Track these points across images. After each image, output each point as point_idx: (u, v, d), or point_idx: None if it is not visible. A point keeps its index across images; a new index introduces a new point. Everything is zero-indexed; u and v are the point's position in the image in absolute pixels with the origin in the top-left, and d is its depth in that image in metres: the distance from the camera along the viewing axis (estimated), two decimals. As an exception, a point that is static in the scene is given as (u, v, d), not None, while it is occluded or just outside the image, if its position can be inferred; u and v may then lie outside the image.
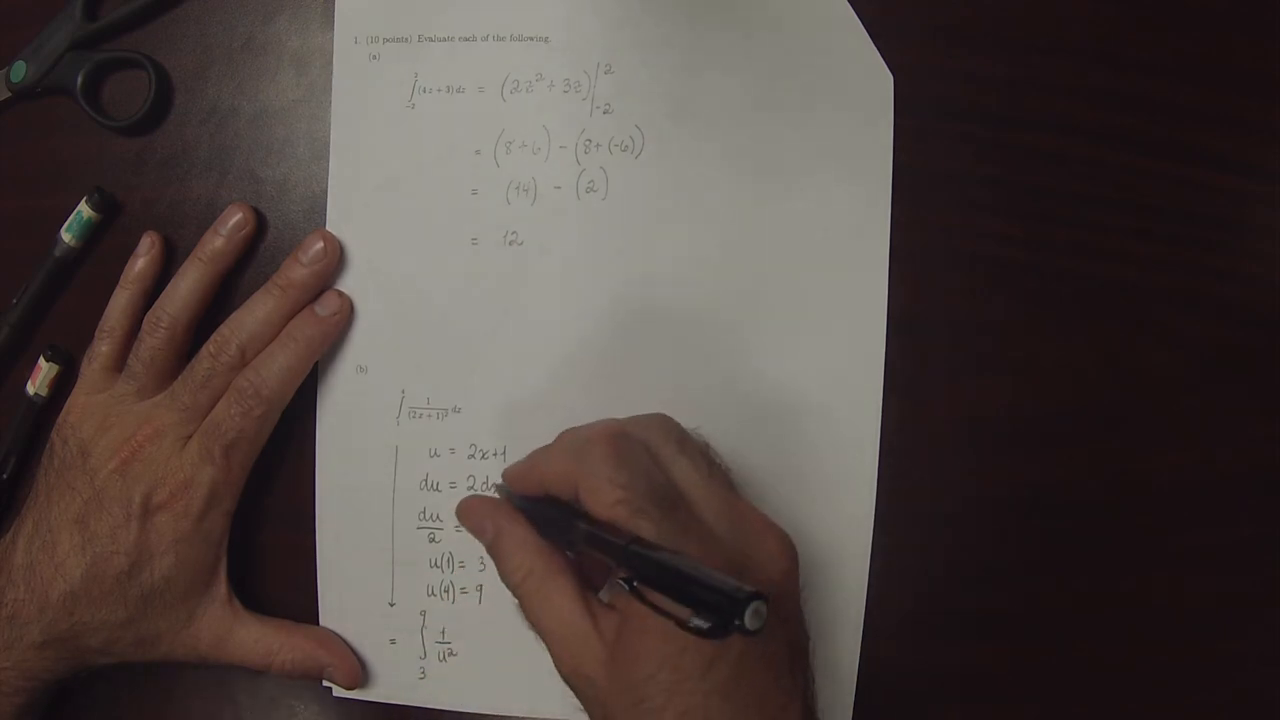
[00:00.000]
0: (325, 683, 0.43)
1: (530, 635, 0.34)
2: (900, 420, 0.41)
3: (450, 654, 0.42)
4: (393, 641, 0.43)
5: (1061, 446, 0.42)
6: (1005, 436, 0.42)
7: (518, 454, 0.41)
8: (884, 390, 0.41)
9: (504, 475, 0.38)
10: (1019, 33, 0.41)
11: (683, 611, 0.27)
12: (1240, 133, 0.42)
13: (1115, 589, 0.42)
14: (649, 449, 0.35)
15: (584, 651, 0.33)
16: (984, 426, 0.42)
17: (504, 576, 0.35)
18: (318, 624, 0.43)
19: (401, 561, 0.42)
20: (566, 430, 0.36)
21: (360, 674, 0.42)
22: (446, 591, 0.42)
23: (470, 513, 0.37)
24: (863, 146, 0.41)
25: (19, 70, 0.43)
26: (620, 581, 0.31)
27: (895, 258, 0.41)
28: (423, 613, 0.43)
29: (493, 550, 0.36)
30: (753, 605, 0.25)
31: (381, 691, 0.43)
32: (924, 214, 0.41)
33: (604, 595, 0.35)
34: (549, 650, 0.34)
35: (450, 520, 0.42)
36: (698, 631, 0.26)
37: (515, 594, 0.35)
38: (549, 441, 0.37)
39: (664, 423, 0.36)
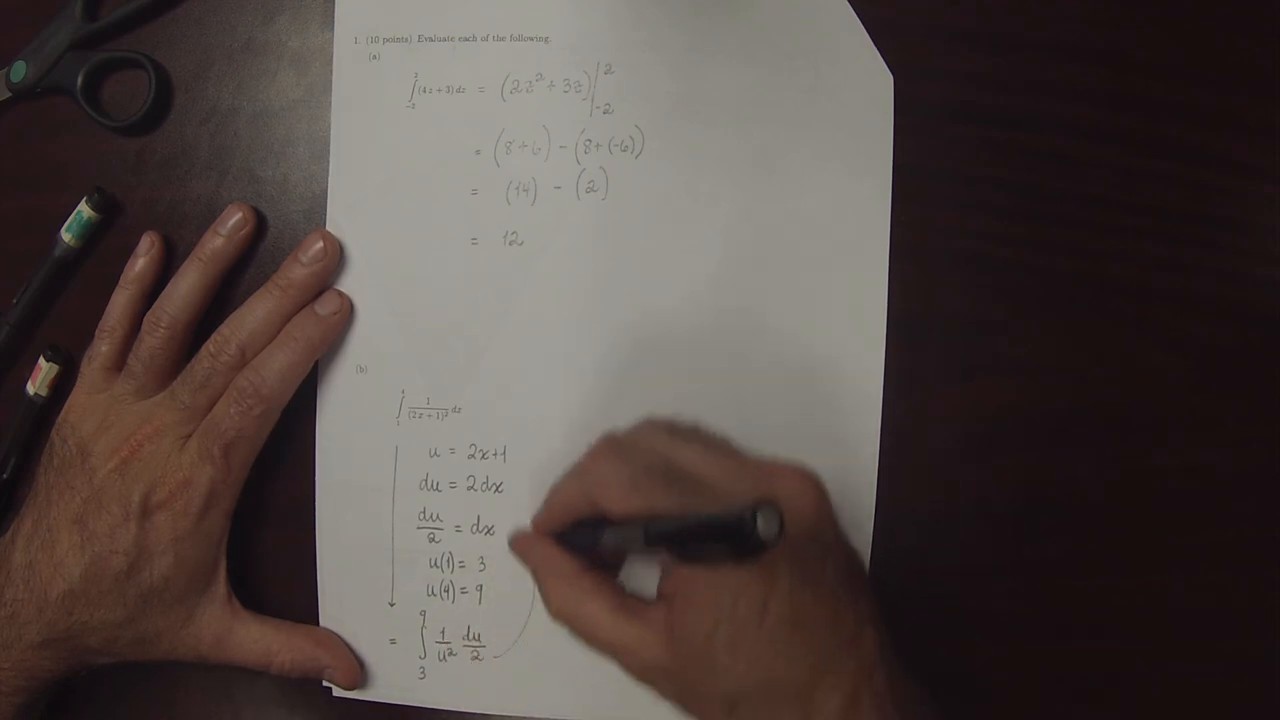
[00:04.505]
0: (325, 683, 0.43)
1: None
2: (900, 420, 0.41)
3: (450, 654, 0.42)
4: (393, 641, 0.43)
5: (1061, 446, 0.42)
6: (1005, 436, 0.42)
7: (518, 454, 0.42)
8: (884, 390, 0.41)
9: (533, 525, 0.39)
10: (1019, 33, 0.41)
11: (715, 554, 0.27)
12: (1240, 133, 0.42)
13: (1116, 589, 0.42)
14: (643, 446, 0.36)
15: (640, 649, 0.34)
16: (984, 426, 0.42)
17: (547, 609, 0.36)
18: (318, 624, 0.43)
19: (401, 561, 0.42)
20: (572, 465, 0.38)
21: (360, 674, 0.42)
22: (446, 591, 0.42)
23: (515, 548, 0.38)
24: (863, 146, 0.41)
25: (19, 70, 0.43)
26: (658, 562, 0.32)
27: (895, 258, 0.41)
28: (423, 613, 0.43)
29: (536, 583, 0.37)
30: (761, 511, 0.25)
31: (381, 691, 0.43)
32: (924, 214, 0.41)
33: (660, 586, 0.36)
34: (615, 663, 0.35)
35: (450, 520, 0.42)
36: (732, 559, 0.26)
37: (561, 625, 0.36)
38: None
39: (651, 422, 0.39)
